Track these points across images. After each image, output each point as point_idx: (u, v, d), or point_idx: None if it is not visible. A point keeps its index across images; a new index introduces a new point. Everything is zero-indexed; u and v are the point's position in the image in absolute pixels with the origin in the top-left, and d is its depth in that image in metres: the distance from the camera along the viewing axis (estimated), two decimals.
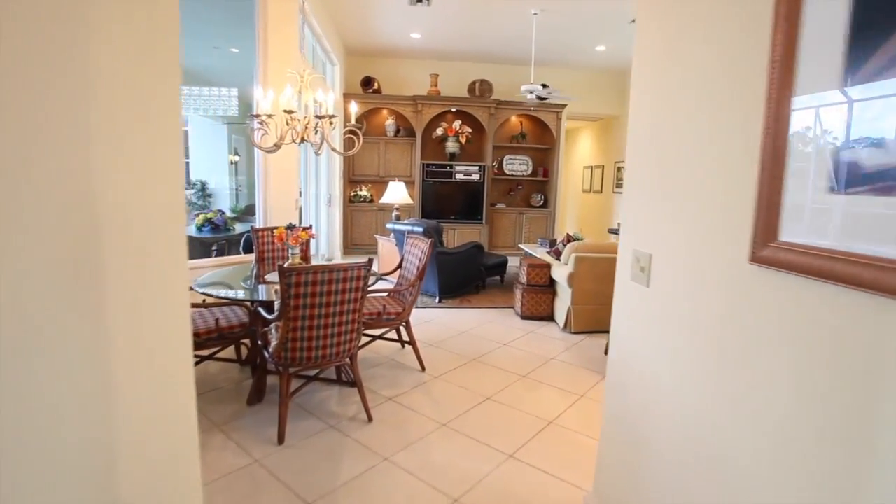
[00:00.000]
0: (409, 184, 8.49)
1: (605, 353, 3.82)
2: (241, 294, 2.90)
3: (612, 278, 4.06)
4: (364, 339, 3.43)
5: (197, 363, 2.92)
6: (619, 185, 9.08)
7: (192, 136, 12.67)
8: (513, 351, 3.86)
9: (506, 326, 4.48)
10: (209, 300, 2.78)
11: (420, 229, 4.91)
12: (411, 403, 2.88)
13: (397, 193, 6.10)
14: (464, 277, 5.42)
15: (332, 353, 2.47)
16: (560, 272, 4.35)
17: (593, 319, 4.31)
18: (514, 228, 8.57)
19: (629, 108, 1.74)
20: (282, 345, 2.34)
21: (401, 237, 5.25)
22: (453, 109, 8.25)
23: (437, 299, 5.18)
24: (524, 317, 4.68)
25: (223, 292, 2.78)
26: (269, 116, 2.86)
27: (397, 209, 6.19)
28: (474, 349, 3.86)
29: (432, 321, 4.57)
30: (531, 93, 6.13)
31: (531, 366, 3.55)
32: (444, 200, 8.33)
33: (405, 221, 5.31)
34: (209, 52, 7.79)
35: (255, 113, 2.79)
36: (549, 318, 4.67)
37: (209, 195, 13.15)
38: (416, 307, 5.00)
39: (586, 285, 4.23)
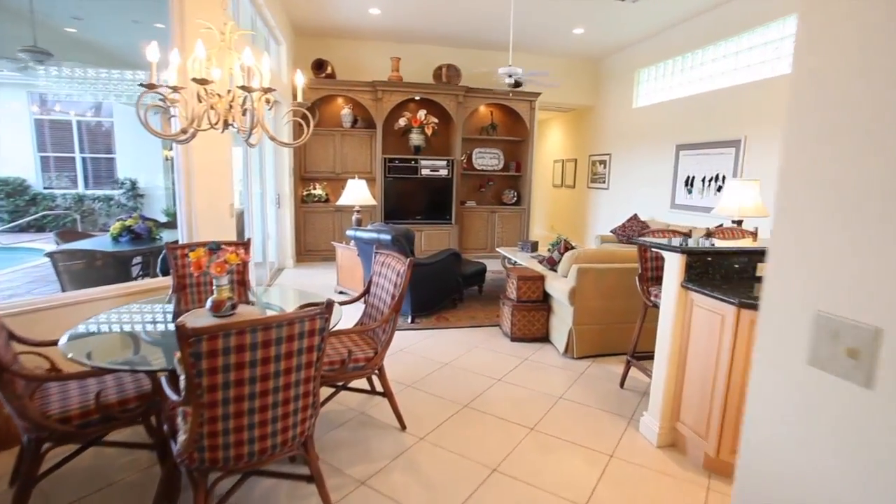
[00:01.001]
0: (370, 181, 7.61)
1: (622, 385, 3.16)
2: (133, 355, 1.99)
3: (621, 293, 3.34)
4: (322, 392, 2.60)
5: (69, 457, 2.01)
6: (594, 180, 8.56)
7: (117, 128, 11.18)
8: (510, 389, 3.13)
9: (495, 353, 3.75)
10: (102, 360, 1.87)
11: (387, 237, 4.09)
12: (393, 488, 2.09)
13: (358, 193, 5.24)
14: (440, 291, 4.65)
15: (276, 444, 1.64)
16: (558, 286, 3.66)
17: (599, 341, 3.65)
18: (487, 229, 7.87)
19: (793, 73, 1.00)
20: (193, 442, 1.50)
21: (366, 249, 4.42)
22: (417, 97, 7.43)
23: (409, 319, 4.39)
24: (515, 338, 3.97)
25: (106, 361, 1.87)
26: (175, 90, 1.97)
27: (358, 212, 5.32)
28: (463, 389, 3.11)
29: (407, 349, 3.77)
30: (510, 76, 5.40)
31: (537, 411, 2.83)
32: (409, 199, 7.51)
33: (368, 227, 4.47)
34: (128, 28, 6.58)
35: (149, 82, 1.88)
36: (544, 338, 3.99)
37: (140, 196, 11.74)
38: None
39: (591, 302, 3.56)
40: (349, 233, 4.46)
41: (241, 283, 3.05)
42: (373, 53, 7.58)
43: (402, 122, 7.32)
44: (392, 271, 2.59)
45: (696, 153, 6.05)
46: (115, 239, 5.37)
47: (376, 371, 2.50)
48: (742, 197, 4.10)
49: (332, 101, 7.51)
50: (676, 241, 2.51)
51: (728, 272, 2.38)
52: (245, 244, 3.11)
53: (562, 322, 3.72)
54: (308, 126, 2.45)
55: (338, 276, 5.49)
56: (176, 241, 3.19)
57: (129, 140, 11.15)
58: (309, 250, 7.34)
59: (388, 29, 6.94)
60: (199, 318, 2.13)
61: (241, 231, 8.01)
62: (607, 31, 6.73)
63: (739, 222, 4.26)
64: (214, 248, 2.23)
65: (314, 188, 7.47)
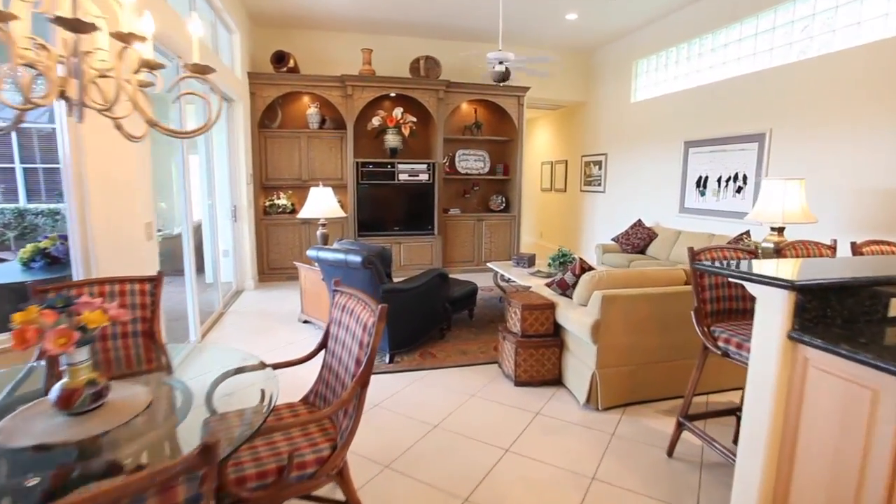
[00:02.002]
0: (340, 188, 6.76)
1: (670, 453, 2.39)
2: None
3: (655, 325, 2.51)
4: None
5: None
6: (588, 183, 7.86)
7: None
8: (524, 465, 2.32)
9: (498, 404, 2.94)
10: None
11: (357, 259, 3.25)
12: None
13: (323, 203, 4.39)
14: (424, 321, 3.83)
15: None
16: (575, 318, 2.88)
17: (629, 387, 2.88)
18: (474, 239, 7.08)
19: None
20: None
21: (332, 272, 3.58)
22: (392, 94, 6.61)
23: (387, 358, 3.56)
24: (520, 382, 3.17)
25: None
26: None
27: (324, 225, 4.47)
28: (462, 468, 2.29)
29: (384, 403, 2.94)
30: (500, 63, 4.63)
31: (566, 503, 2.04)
32: (386, 207, 6.68)
33: (335, 245, 3.63)
34: None
35: None
36: (557, 381, 3.20)
37: None
38: None
39: (619, 338, 2.79)
40: (310, 253, 3.61)
41: (147, 335, 2.18)
42: (341, 45, 6.75)
43: (375, 121, 6.50)
44: (356, 322, 1.76)
45: (709, 150, 5.38)
46: (26, 265, 4.38)
47: (336, 475, 1.66)
48: (785, 199, 3.40)
49: (296, 100, 6.64)
50: (769, 267, 1.75)
51: (853, 313, 1.62)
52: (155, 279, 2.25)
53: (581, 363, 2.94)
54: (217, 109, 1.61)
55: (302, 303, 4.62)
56: (51, 279, 2.31)
57: None
58: (273, 269, 6.44)
59: (358, 17, 6.13)
60: (33, 423, 1.28)
61: (198, 248, 7.07)
62: (603, 16, 6.04)
63: (781, 229, 3.57)
64: (59, 304, 1.37)
65: (278, 197, 6.58)
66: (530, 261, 4.97)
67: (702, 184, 5.51)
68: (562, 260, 4.73)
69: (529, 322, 3.13)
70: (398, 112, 6.50)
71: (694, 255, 2.24)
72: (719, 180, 5.25)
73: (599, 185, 7.56)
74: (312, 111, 6.52)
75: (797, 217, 3.40)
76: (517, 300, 3.19)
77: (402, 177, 6.56)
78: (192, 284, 4.00)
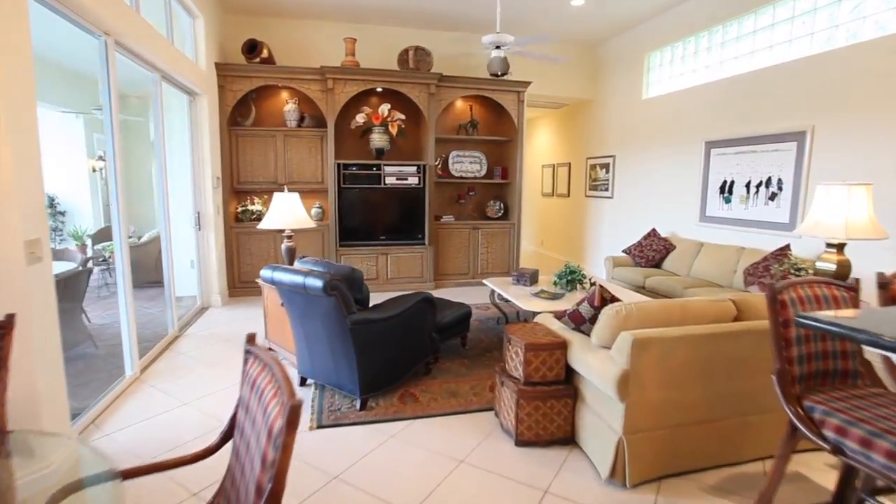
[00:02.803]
0: (321, 192, 6.11)
1: None
2: None
3: (697, 374, 1.89)
4: None
5: None
6: (594, 188, 7.21)
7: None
8: None
9: (494, 477, 2.27)
10: None
11: (317, 284, 2.58)
12: None
13: (288, 211, 3.71)
14: (405, 355, 3.15)
15: None
16: (596, 366, 2.21)
17: (665, 455, 2.21)
18: (469, 249, 6.41)
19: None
20: None
21: (292, 298, 2.91)
22: (378, 89, 5.97)
23: (357, 403, 2.88)
24: (522, 441, 2.50)
25: None
26: None
27: (290, 237, 3.80)
28: None
29: (347, 475, 2.26)
30: (498, 48, 3.99)
31: None
32: (371, 214, 6.02)
33: (298, 264, 2.96)
34: None
35: None
36: (569, 440, 2.53)
37: (61, 213, 9.92)
38: (322, 426, 2.67)
39: (653, 393, 2.12)
40: (265, 274, 2.92)
41: None
42: (322, 34, 6.10)
43: (359, 118, 5.84)
44: (263, 417, 1.08)
45: (735, 151, 4.74)
46: None
47: None
48: (849, 209, 2.76)
49: (271, 95, 5.98)
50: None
51: None
52: (2, 326, 1.57)
53: (602, 423, 2.27)
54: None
55: (266, 327, 3.94)
56: None
57: (46, 148, 9.38)
58: (245, 282, 5.76)
59: (339, 3, 5.48)
60: None
61: (155, 264, 6.40)
62: (613, 2, 5.39)
63: (841, 246, 2.92)
64: None
65: (251, 203, 5.92)
66: (532, 278, 4.31)
67: (726, 189, 4.86)
68: (570, 278, 4.08)
69: (535, 366, 2.46)
70: (385, 108, 5.84)
71: (774, 295, 1.57)
72: (748, 185, 4.60)
73: (607, 189, 6.91)
74: (290, 108, 5.86)
75: (865, 231, 2.75)
76: (519, 337, 2.52)
77: (390, 180, 5.90)
78: (127, 305, 3.31)
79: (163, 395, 3.09)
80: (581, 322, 2.52)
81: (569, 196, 8.05)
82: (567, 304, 3.65)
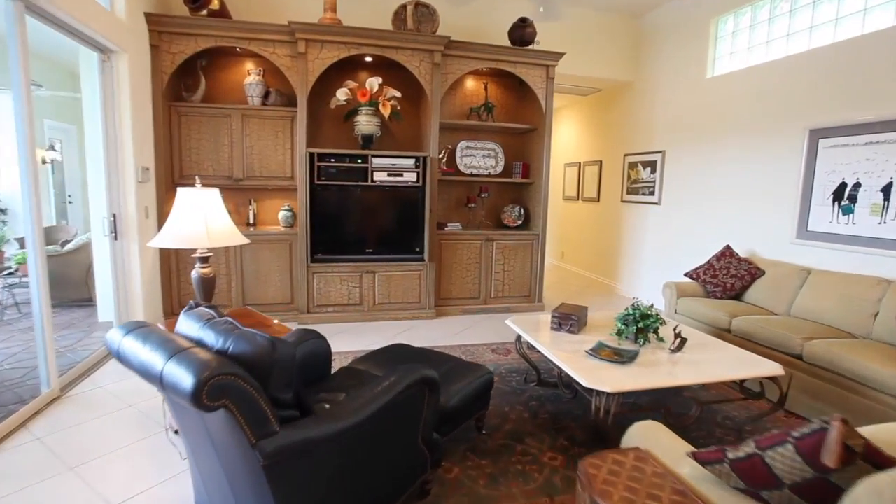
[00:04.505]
0: (291, 191, 4.73)
1: None
2: None
3: None
4: None
5: None
6: (634, 191, 5.84)
7: None
8: None
9: None
10: None
11: (186, 385, 1.18)
12: None
13: (196, 219, 2.30)
14: (378, 484, 1.75)
15: None
16: None
17: None
18: (480, 267, 5.03)
19: None
20: None
21: (168, 396, 1.50)
22: (368, 58, 4.60)
23: None
24: None
25: None
26: None
27: (205, 262, 2.39)
28: None
29: None
30: None
31: None
32: (354, 220, 4.64)
33: (183, 318, 1.57)
34: None
35: None
36: None
37: (2, 211, 8.53)
38: None
39: None
40: (111, 339, 1.54)
41: None
42: None
43: (341, 95, 4.47)
44: None
45: (865, 142, 3.36)
46: None
47: None
48: None
49: (229, 62, 4.61)
50: None
51: None
52: None
53: None
54: None
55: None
56: None
57: None
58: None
59: None
60: None
61: (86, 278, 5.05)
62: None
63: None
64: None
65: None
66: (580, 321, 2.92)
67: (845, 195, 3.49)
68: (641, 324, 2.69)
69: None
70: (374, 83, 4.47)
71: None
72: (887, 189, 3.22)
73: (652, 193, 5.54)
74: (253, 80, 4.48)
75: None
76: (595, 492, 1.13)
77: (380, 176, 4.52)
78: (44, 331, 1.92)
79: None
80: (766, 484, 1.13)
81: (598, 201, 6.67)
82: (647, 371, 2.26)
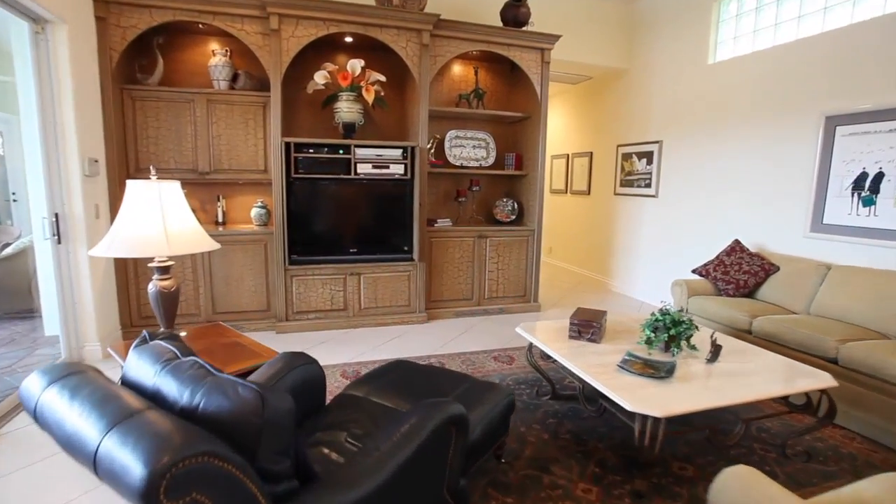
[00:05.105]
0: (264, 186, 4.29)
1: None
2: None
3: None
4: None
5: None
6: (628, 183, 5.60)
7: None
8: None
9: None
10: None
11: (133, 481, 0.80)
12: None
13: (151, 219, 1.87)
14: None
15: None
16: None
17: None
18: (473, 265, 4.68)
19: None
20: None
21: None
22: (349, 39, 4.17)
23: None
24: None
25: None
26: None
27: (164, 271, 1.95)
28: None
29: None
30: None
31: None
32: (336, 218, 4.22)
33: (134, 357, 1.16)
34: None
35: None
36: None
37: None
38: None
39: None
40: (23, 394, 1.12)
41: None
42: None
43: (319, 79, 4.03)
44: None
45: (889, 129, 3.16)
46: None
47: None
48: None
49: (191, 41, 4.10)
50: None
51: None
52: None
53: None
54: None
55: None
56: None
57: None
58: (149, 317, 3.88)
59: None
60: None
61: (29, 287, 4.48)
62: None
63: None
64: None
65: None
66: (601, 329, 2.61)
67: (867, 185, 3.29)
68: (671, 331, 2.40)
69: None
70: (356, 65, 4.05)
71: None
72: None
73: (648, 185, 5.30)
74: (218, 61, 3.99)
75: None
76: None
77: (364, 168, 4.11)
78: None
79: None
80: None
81: (589, 194, 6.42)
82: (691, 388, 1.96)
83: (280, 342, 3.81)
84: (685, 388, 2.03)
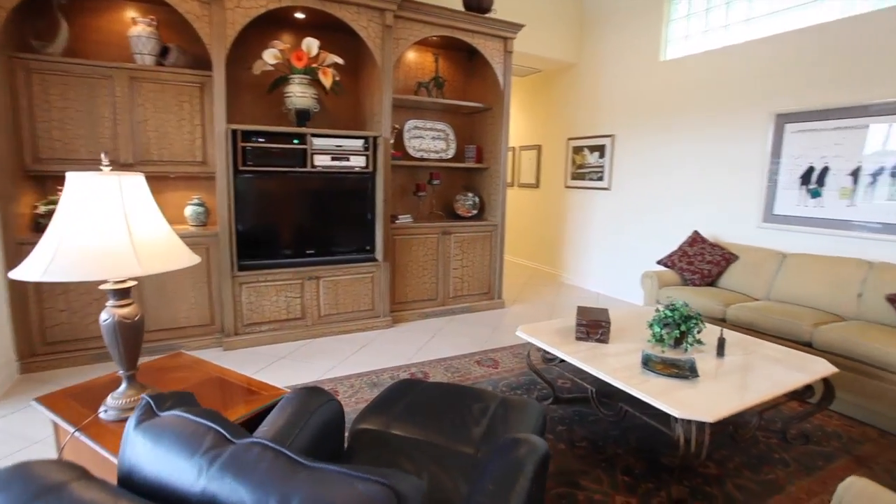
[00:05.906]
0: (201, 179, 3.74)
1: None
2: None
3: None
4: None
5: None
6: (579, 176, 5.69)
7: None
8: None
9: None
10: None
11: None
12: None
13: (116, 227, 1.44)
14: None
15: None
16: None
17: None
18: (437, 263, 4.46)
19: None
20: None
21: None
22: (300, 14, 3.72)
23: None
24: None
25: None
26: None
27: (120, 293, 1.51)
28: None
29: None
30: None
31: None
32: (291, 215, 3.79)
33: (175, 438, 0.81)
34: None
35: None
36: None
37: None
38: None
39: None
40: None
41: None
42: None
43: (268, 58, 3.55)
44: None
45: (834, 126, 3.42)
46: None
47: None
48: None
49: (105, 3, 3.41)
50: None
51: None
52: None
53: None
54: None
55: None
56: None
57: None
58: (55, 343, 3.18)
59: None
60: None
61: None
62: None
63: None
64: None
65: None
66: (609, 327, 2.53)
67: (812, 178, 3.55)
68: (682, 327, 2.37)
69: None
70: (313, 45, 3.62)
71: None
72: (856, 174, 3.31)
73: (601, 179, 5.41)
74: (141, 31, 3.35)
75: None
76: None
77: (321, 160, 3.71)
78: None
79: None
80: None
81: (538, 187, 6.46)
82: (724, 387, 1.92)
83: (231, 360, 3.32)
84: (716, 388, 1.99)
